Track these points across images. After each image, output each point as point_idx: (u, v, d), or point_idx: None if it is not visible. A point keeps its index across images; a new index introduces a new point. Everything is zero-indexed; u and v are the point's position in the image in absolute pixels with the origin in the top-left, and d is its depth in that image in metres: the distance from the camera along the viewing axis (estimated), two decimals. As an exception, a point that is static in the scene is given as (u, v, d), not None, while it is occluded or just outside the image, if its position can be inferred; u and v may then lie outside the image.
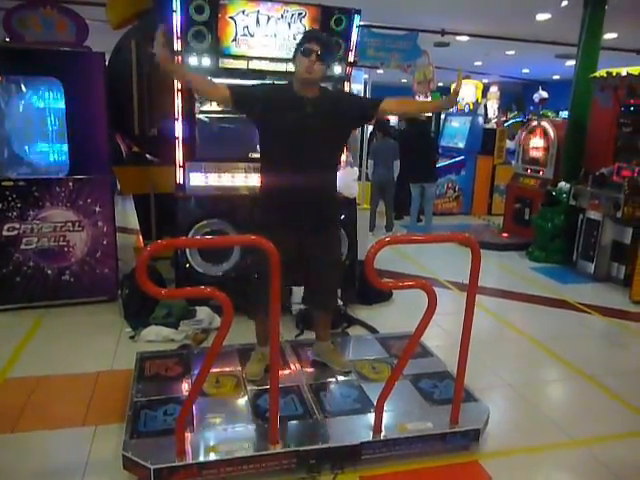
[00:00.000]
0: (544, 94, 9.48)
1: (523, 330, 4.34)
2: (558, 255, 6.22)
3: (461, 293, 4.82)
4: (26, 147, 4.34)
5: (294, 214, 2.83)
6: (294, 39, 3.89)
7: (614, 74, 5.74)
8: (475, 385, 3.08)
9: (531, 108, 11.20)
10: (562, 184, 6.33)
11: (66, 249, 4.22)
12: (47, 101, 4.31)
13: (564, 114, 10.57)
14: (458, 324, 2.58)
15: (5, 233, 4.05)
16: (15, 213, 4.05)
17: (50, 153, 4.39)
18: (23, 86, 4.26)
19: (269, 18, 3.82)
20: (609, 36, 9.02)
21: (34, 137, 4.35)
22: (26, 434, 2.70)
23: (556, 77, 16.80)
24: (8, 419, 2.79)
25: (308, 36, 2.82)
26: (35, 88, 4.28)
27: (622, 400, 3.26)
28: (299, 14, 3.86)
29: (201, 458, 2.34)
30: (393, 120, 16.70)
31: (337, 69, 4.11)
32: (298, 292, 4.15)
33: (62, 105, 4.13)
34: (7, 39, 4.62)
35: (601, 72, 5.94)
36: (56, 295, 4.26)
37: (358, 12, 4.00)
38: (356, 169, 5.05)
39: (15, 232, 4.07)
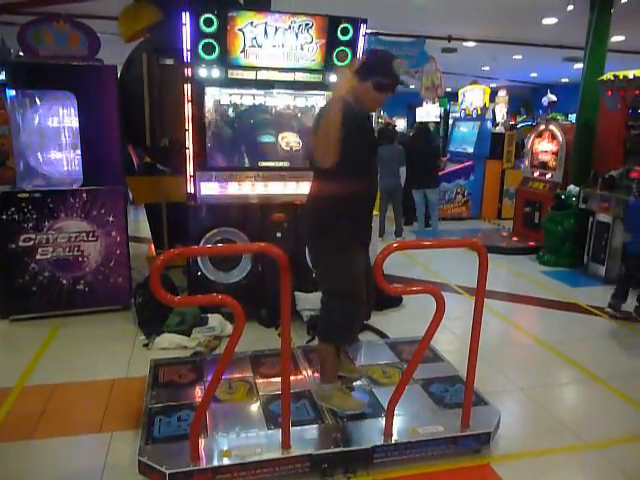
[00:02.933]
0: (553, 97, 9.45)
1: (534, 333, 4.34)
2: (568, 258, 6.21)
3: (472, 298, 4.81)
4: (41, 159, 4.43)
5: (368, 228, 2.82)
6: (302, 49, 3.95)
7: (621, 77, 5.76)
8: (486, 388, 3.10)
9: (540, 112, 11.17)
10: (571, 187, 6.33)
11: (81, 259, 4.30)
12: (61, 114, 4.41)
13: (573, 117, 10.53)
14: (469, 328, 2.61)
15: (21, 244, 4.13)
16: (31, 224, 4.13)
17: (64, 165, 4.48)
18: (37, 99, 4.35)
19: (277, 29, 3.88)
20: (616, 39, 9.01)
21: (48, 149, 4.44)
22: (44, 440, 2.75)
23: (565, 80, 16.76)
24: (26, 426, 2.85)
25: (385, 70, 2.59)
26: (49, 101, 4.37)
27: (634, 402, 3.26)
28: (306, 24, 3.92)
29: (215, 463, 2.37)
30: (401, 125, 16.74)
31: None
32: (305, 298, 4.20)
33: (75, 118, 4.23)
34: (20, 53, 4.73)
35: (608, 75, 5.96)
36: (71, 304, 4.33)
37: (364, 21, 4.06)
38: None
39: (31, 242, 4.15)
